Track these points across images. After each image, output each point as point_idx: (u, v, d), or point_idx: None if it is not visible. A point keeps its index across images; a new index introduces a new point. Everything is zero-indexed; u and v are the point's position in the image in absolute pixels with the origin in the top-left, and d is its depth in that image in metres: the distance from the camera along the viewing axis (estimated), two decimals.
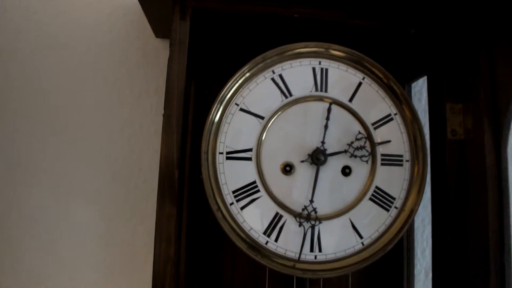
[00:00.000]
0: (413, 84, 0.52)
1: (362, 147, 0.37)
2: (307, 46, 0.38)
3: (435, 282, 0.41)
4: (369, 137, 0.38)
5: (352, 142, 0.37)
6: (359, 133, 0.38)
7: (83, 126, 0.51)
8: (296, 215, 0.36)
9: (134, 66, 0.52)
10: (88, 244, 0.50)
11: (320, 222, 0.37)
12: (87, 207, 0.50)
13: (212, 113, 0.36)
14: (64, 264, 0.49)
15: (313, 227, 0.37)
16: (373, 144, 0.38)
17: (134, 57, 0.52)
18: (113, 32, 0.53)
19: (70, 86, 0.52)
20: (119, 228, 0.50)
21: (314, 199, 0.36)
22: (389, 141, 0.38)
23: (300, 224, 0.36)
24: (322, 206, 0.37)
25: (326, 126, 0.37)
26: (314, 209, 0.36)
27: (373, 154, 0.38)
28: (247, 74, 0.37)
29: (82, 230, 0.50)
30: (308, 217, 0.36)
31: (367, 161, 0.37)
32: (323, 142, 0.37)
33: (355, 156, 0.37)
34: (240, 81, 0.37)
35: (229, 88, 0.37)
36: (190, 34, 0.38)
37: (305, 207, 0.36)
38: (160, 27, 0.48)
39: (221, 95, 0.37)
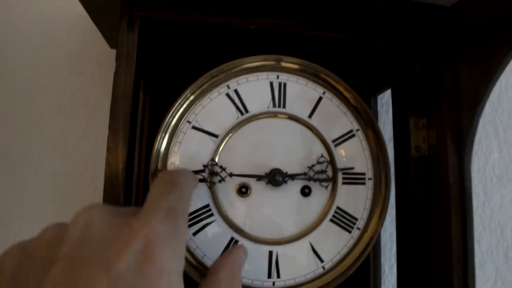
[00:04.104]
0: (380, 96, 0.51)
1: (323, 171, 0.35)
2: (256, 60, 0.36)
3: None
4: (332, 161, 0.36)
5: (313, 165, 0.35)
6: (322, 156, 0.36)
7: (34, 143, 0.47)
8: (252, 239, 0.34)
9: (88, 79, 0.49)
10: None
11: (278, 246, 0.34)
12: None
13: (158, 142, 0.34)
14: None
15: (270, 251, 0.34)
16: (336, 169, 0.36)
17: (89, 68, 0.49)
18: (66, 41, 0.49)
19: (20, 99, 0.48)
20: None
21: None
22: (352, 168, 0.36)
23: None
24: (280, 229, 0.35)
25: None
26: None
27: (334, 179, 0.36)
28: (191, 98, 0.35)
29: None
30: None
31: (326, 187, 0.36)
32: (280, 161, 0.35)
33: (315, 180, 0.35)
34: (185, 105, 0.35)
35: (172, 116, 0.35)
36: (141, 46, 0.35)
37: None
38: (113, 38, 0.45)
39: (165, 122, 0.34)
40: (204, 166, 0.34)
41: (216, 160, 0.34)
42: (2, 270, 0.21)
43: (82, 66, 0.49)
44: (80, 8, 0.36)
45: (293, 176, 0.35)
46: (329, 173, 0.36)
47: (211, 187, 0.34)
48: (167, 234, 0.21)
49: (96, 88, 0.48)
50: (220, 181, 0.34)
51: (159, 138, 0.34)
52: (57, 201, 0.47)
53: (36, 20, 0.50)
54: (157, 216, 0.21)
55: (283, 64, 0.37)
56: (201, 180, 0.34)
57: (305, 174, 0.35)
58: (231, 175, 0.34)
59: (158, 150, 0.34)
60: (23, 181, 0.47)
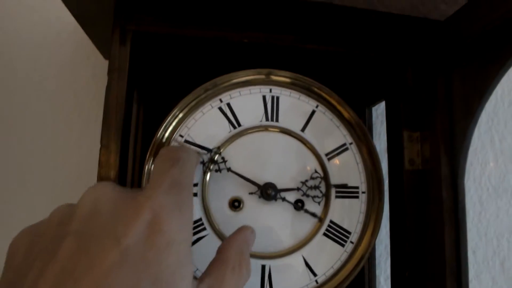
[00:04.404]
0: (375, 107, 0.51)
1: (316, 187, 0.35)
2: (249, 74, 0.36)
3: None
4: (325, 176, 0.36)
5: (306, 180, 0.35)
6: (315, 171, 0.36)
7: (27, 154, 0.47)
8: None
9: (83, 89, 0.49)
10: None
11: (270, 260, 0.34)
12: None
13: (149, 156, 0.34)
14: None
15: (263, 265, 0.34)
16: (329, 185, 0.36)
17: (83, 79, 0.49)
18: (60, 52, 0.49)
19: (12, 109, 0.48)
20: None
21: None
22: (345, 184, 0.36)
23: None
24: (273, 243, 0.35)
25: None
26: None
27: (327, 195, 0.36)
28: (180, 115, 0.35)
29: None
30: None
31: (319, 203, 0.35)
32: (273, 176, 0.35)
33: (308, 196, 0.35)
34: (174, 123, 0.34)
35: (164, 131, 0.34)
36: (134, 59, 0.35)
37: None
38: (107, 49, 0.45)
39: (156, 139, 0.34)
40: (208, 150, 0.34)
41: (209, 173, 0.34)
42: (15, 251, 0.21)
43: (76, 76, 0.49)
44: (73, 19, 0.36)
45: (284, 197, 0.35)
46: (322, 188, 0.36)
47: (206, 171, 0.34)
48: (172, 206, 0.21)
49: (90, 99, 0.48)
50: (216, 171, 0.34)
51: (150, 151, 0.34)
52: (51, 208, 0.47)
53: (30, 30, 0.50)
54: (161, 189, 0.22)
55: (276, 78, 0.37)
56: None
57: (298, 189, 0.35)
58: (228, 169, 0.34)
59: (149, 169, 0.34)
60: (12, 194, 0.47)
